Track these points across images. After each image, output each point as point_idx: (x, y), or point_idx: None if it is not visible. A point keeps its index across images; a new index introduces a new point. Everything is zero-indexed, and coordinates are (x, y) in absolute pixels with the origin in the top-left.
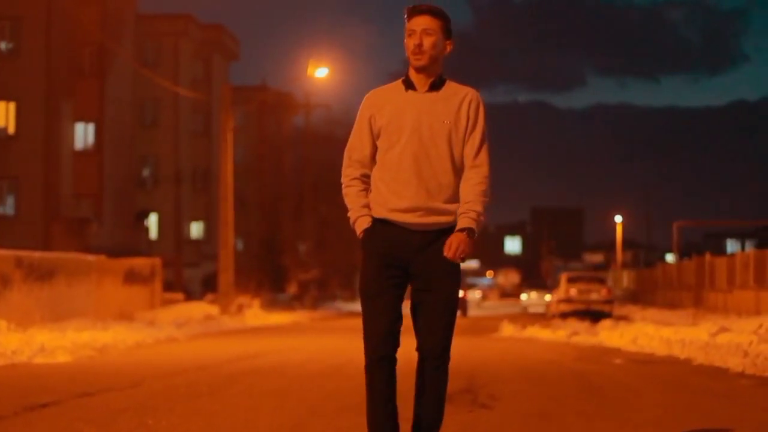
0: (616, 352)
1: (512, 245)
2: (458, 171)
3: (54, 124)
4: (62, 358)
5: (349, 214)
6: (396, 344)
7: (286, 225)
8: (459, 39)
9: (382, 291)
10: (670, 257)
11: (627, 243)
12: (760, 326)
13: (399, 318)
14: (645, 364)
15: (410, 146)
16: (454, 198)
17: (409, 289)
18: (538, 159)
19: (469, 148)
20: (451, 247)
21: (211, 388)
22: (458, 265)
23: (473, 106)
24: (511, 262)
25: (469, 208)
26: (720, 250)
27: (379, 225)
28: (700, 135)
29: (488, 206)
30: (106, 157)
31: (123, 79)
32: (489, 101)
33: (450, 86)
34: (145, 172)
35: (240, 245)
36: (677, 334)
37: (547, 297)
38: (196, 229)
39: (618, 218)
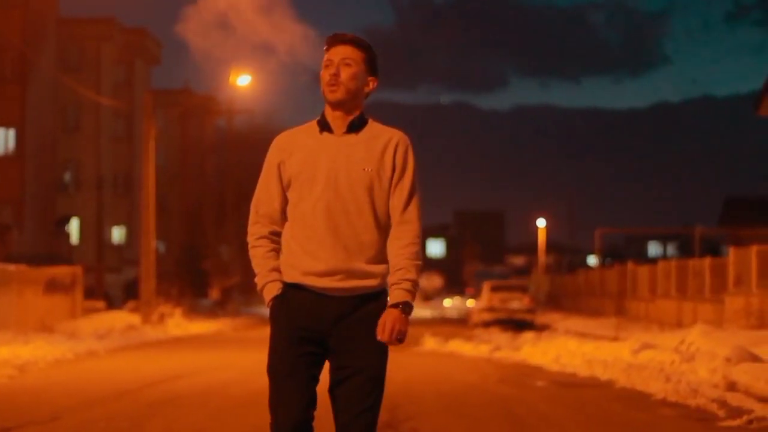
0: (539, 371)
1: (435, 248)
2: (382, 227)
3: None
4: None
5: (256, 280)
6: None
7: (209, 229)
8: (381, 39)
9: (293, 371)
10: (592, 259)
11: (550, 245)
12: (682, 342)
13: (313, 403)
14: (567, 387)
15: (324, 198)
16: (379, 258)
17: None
18: (461, 160)
19: (396, 200)
20: (385, 328)
21: (131, 422)
22: None
23: (400, 151)
24: (434, 265)
25: (401, 278)
26: (642, 254)
27: (292, 291)
28: (623, 136)
29: (420, 269)
30: (28, 162)
31: (45, 83)
32: (411, 102)
33: (372, 127)
34: (67, 177)
35: (162, 248)
36: (599, 351)
37: (469, 302)
38: (117, 234)
39: (541, 223)
